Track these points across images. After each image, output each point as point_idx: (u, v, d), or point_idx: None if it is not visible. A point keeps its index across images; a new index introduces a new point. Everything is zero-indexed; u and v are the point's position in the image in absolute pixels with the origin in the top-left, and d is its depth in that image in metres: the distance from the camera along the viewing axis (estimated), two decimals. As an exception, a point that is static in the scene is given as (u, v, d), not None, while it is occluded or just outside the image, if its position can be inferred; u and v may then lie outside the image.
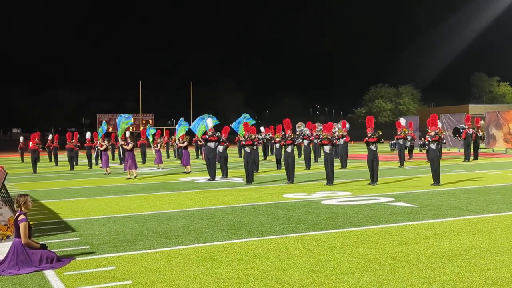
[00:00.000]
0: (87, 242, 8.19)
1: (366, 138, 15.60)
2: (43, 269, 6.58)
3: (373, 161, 15.30)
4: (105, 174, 21.83)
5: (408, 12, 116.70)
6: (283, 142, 16.97)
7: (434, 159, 14.90)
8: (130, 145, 19.85)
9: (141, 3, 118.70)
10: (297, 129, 22.91)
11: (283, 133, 18.49)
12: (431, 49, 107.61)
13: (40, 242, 7.11)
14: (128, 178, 19.34)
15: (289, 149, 16.31)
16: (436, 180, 14.71)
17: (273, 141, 27.57)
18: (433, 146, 15.12)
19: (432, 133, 15.20)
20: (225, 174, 19.01)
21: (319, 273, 6.12)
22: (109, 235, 8.70)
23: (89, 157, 27.22)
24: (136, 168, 19.72)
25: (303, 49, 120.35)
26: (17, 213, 6.96)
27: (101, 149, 23.05)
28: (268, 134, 30.83)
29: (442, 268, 6.17)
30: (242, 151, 20.07)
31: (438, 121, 17.70)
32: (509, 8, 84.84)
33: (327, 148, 15.85)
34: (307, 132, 22.74)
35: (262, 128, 33.97)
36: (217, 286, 5.73)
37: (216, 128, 20.00)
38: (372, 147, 15.40)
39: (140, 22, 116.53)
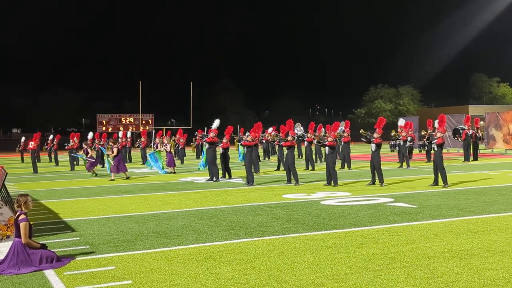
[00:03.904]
0: (87, 242, 8.20)
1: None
2: (43, 269, 6.59)
3: (372, 162, 15.35)
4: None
5: (408, 12, 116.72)
6: (283, 143, 16.96)
7: (438, 162, 14.78)
8: (115, 151, 19.51)
9: (141, 3, 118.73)
10: (296, 130, 22.89)
11: (274, 133, 18.54)
12: (431, 49, 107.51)
13: (40, 242, 7.12)
14: (127, 178, 19.32)
15: (288, 151, 16.31)
16: (445, 181, 14.56)
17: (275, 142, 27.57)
18: (436, 148, 14.91)
19: (438, 134, 14.96)
20: (227, 175, 18.93)
21: (319, 273, 6.13)
22: (109, 235, 8.71)
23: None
24: (116, 172, 19.28)
25: (303, 49, 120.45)
26: (18, 213, 6.97)
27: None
28: (277, 136, 30.61)
29: (441, 268, 6.19)
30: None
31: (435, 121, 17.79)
32: (509, 8, 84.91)
33: (327, 149, 15.86)
34: (304, 133, 22.77)
35: (270, 129, 33.98)
36: (217, 286, 5.75)
37: (220, 128, 19.94)
38: (372, 148, 15.40)
39: (141, 21, 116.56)
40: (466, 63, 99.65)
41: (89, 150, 22.65)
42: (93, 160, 22.26)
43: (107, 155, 20.24)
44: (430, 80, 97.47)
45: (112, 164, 19.40)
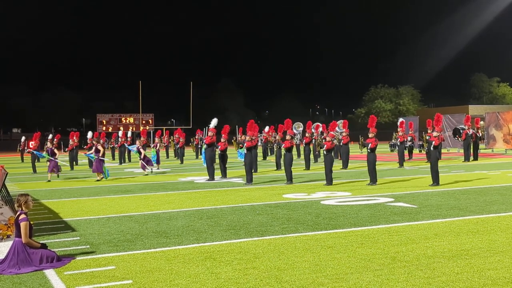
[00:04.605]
0: (87, 241, 8.20)
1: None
2: (43, 268, 6.58)
3: (367, 162, 15.54)
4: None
5: (408, 12, 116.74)
6: (283, 145, 17.01)
7: (433, 160, 14.98)
8: (101, 149, 18.97)
9: (141, 3, 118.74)
10: (294, 129, 22.93)
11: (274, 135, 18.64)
12: (431, 49, 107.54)
13: (41, 242, 7.12)
14: (97, 180, 18.70)
15: (286, 151, 16.38)
16: (436, 180, 14.76)
17: (273, 141, 27.69)
18: (432, 148, 15.18)
19: (435, 134, 15.25)
20: (224, 174, 18.99)
21: (319, 273, 6.13)
22: (109, 234, 8.71)
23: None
24: (100, 171, 18.87)
25: (303, 49, 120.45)
26: (18, 213, 6.97)
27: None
28: (275, 136, 30.61)
29: (441, 268, 6.18)
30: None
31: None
32: (509, 8, 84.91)
33: (325, 149, 15.96)
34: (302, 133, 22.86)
35: (266, 128, 34.06)
36: (217, 286, 5.75)
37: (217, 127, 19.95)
38: (368, 148, 15.67)
39: (140, 22, 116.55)
40: (466, 63, 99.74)
41: (55, 150, 20.01)
42: (57, 161, 20.00)
43: (95, 155, 19.16)
44: (430, 80, 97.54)
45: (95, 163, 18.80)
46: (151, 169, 21.90)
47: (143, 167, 21.49)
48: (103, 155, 19.19)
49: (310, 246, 7.52)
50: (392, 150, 35.80)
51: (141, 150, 21.53)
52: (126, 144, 29.48)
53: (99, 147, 19.21)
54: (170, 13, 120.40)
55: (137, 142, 23.12)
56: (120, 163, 29.87)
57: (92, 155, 19.64)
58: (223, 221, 9.71)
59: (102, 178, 18.82)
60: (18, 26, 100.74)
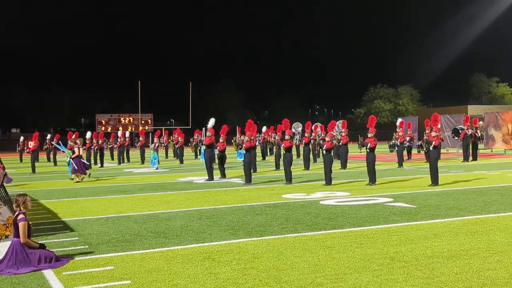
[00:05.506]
0: (85, 242, 8.19)
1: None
2: (41, 268, 6.57)
3: (366, 162, 15.56)
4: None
5: (408, 13, 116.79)
6: (283, 145, 17.02)
7: (433, 161, 15.00)
8: (76, 151, 18.48)
9: (141, 3, 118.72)
10: (293, 129, 22.94)
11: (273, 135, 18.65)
12: (430, 49, 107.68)
13: (39, 242, 7.11)
14: (77, 182, 18.37)
15: (286, 151, 16.40)
16: (435, 180, 14.78)
17: (273, 141, 27.72)
18: (431, 149, 15.24)
19: (433, 134, 15.30)
20: (223, 175, 18.98)
21: (318, 273, 6.12)
22: (108, 235, 8.70)
23: (88, 158, 27.23)
24: (83, 173, 18.58)
25: (302, 49, 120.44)
26: (16, 213, 6.96)
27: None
28: (274, 136, 30.58)
29: (440, 268, 6.18)
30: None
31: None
32: (509, 9, 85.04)
33: (324, 149, 15.98)
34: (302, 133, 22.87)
35: (264, 128, 34.07)
36: (216, 286, 5.74)
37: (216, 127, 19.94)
38: (365, 148, 15.74)
39: (140, 22, 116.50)
40: (465, 63, 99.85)
41: None
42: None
43: (70, 156, 18.59)
44: (430, 80, 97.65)
45: (74, 165, 18.41)
46: (88, 174, 19.97)
47: (75, 171, 19.31)
48: (76, 158, 18.53)
49: (309, 246, 7.51)
50: (391, 151, 35.80)
51: (76, 149, 19.47)
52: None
53: (75, 149, 18.66)
54: (170, 13, 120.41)
55: (78, 141, 22.26)
56: (119, 163, 29.86)
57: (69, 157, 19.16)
58: (222, 221, 9.70)
59: (82, 179, 18.54)
60: (18, 26, 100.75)
